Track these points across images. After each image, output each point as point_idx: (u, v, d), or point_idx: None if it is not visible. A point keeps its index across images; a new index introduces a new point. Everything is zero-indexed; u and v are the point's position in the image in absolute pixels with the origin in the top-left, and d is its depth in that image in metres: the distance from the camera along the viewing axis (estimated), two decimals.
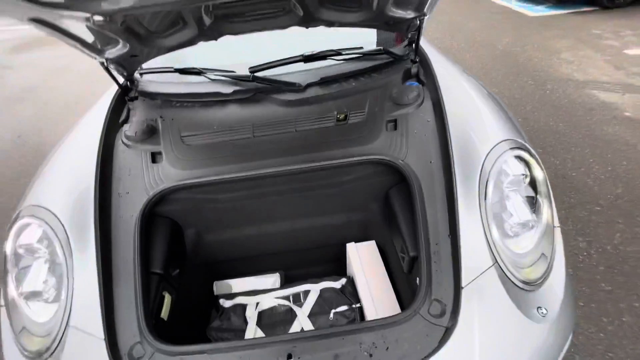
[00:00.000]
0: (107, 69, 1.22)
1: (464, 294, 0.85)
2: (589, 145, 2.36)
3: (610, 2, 4.70)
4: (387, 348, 0.81)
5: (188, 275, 1.23)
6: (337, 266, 1.44)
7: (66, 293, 0.92)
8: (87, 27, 0.93)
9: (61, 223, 0.99)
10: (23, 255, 0.99)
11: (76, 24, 0.91)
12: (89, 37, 1.02)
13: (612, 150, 2.30)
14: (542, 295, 0.89)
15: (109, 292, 0.93)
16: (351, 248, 1.33)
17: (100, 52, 1.11)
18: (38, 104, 3.96)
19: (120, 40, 1.05)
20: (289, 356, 0.82)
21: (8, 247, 0.99)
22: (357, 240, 1.35)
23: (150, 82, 1.41)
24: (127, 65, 1.26)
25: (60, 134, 3.29)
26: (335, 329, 0.88)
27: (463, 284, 0.86)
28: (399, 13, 1.13)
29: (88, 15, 0.86)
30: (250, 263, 1.44)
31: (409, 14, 1.14)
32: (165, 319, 1.03)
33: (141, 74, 1.46)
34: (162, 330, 0.95)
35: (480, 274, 0.88)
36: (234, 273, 1.41)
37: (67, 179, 1.10)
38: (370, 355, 0.81)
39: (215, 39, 1.20)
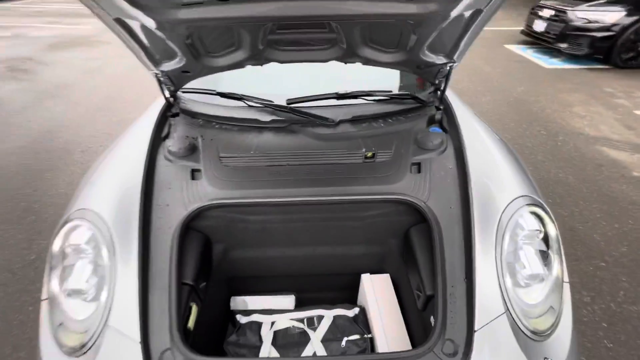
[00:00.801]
0: (159, 81, 1.33)
1: (477, 337, 0.91)
2: (596, 201, 2.43)
3: (623, 62, 4.91)
4: None
5: (211, 290, 1.29)
6: (349, 294, 1.50)
7: (107, 294, 0.99)
8: (157, 36, 1.05)
9: (108, 228, 1.07)
10: (69, 254, 1.06)
11: (148, 32, 1.04)
12: (153, 47, 1.14)
13: (619, 208, 2.37)
14: (549, 346, 0.95)
15: (146, 298, 1.00)
16: (366, 279, 1.39)
17: (157, 63, 1.23)
18: (69, 103, 4.15)
19: (179, 54, 1.17)
20: None
21: (56, 246, 1.07)
22: (372, 272, 1.42)
23: (191, 102, 1.53)
24: (176, 80, 1.37)
25: (87, 136, 3.46)
26: (348, 358, 0.93)
27: (476, 327, 0.92)
28: (431, 57, 1.24)
29: (163, 22, 0.98)
30: (267, 282, 1.50)
31: (440, 60, 1.26)
32: (192, 329, 1.09)
33: (183, 92, 1.58)
34: (187, 340, 1.01)
35: (493, 320, 0.93)
36: (251, 290, 1.47)
37: (114, 187, 1.19)
38: None
39: (261, 65, 1.32)
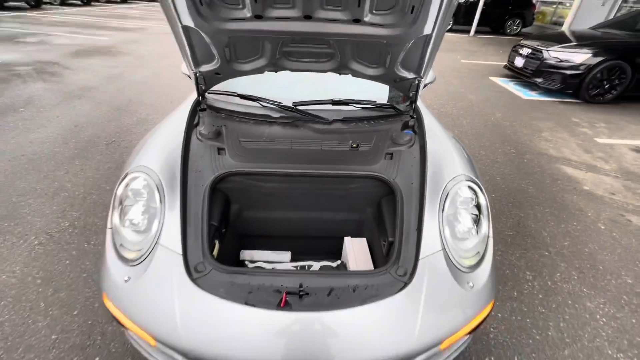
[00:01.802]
0: (196, 80, 1.76)
1: (420, 264, 1.29)
2: (549, 207, 2.86)
3: (591, 98, 5.50)
4: (366, 288, 1.24)
5: (228, 237, 1.67)
6: (334, 257, 1.87)
7: (158, 225, 1.36)
8: (205, 42, 1.48)
9: (160, 180, 1.46)
10: (129, 196, 1.45)
11: (200, 38, 1.46)
12: (199, 51, 1.57)
13: (567, 213, 2.79)
14: (472, 276, 1.32)
15: (185, 229, 1.38)
16: (348, 240, 1.77)
17: (198, 64, 1.66)
18: (93, 103, 4.59)
19: (216, 58, 1.59)
20: (300, 285, 1.24)
21: (119, 191, 1.46)
22: (353, 236, 1.80)
23: (216, 101, 1.96)
24: (208, 81, 1.79)
25: (111, 132, 3.90)
26: (332, 272, 1.30)
27: (420, 257, 1.30)
28: (404, 73, 1.66)
29: (214, 31, 1.40)
30: (270, 242, 1.87)
31: (411, 75, 1.67)
32: (215, 257, 1.45)
33: (210, 94, 2.00)
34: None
35: (433, 254, 1.32)
36: (257, 246, 1.84)
37: (163, 153, 1.58)
38: (354, 291, 1.23)
39: (276, 72, 1.75)
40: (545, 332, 1.81)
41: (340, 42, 1.53)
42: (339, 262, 1.72)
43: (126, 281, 1.24)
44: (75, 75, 5.71)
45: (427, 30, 1.39)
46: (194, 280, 1.22)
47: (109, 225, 1.41)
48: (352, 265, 1.66)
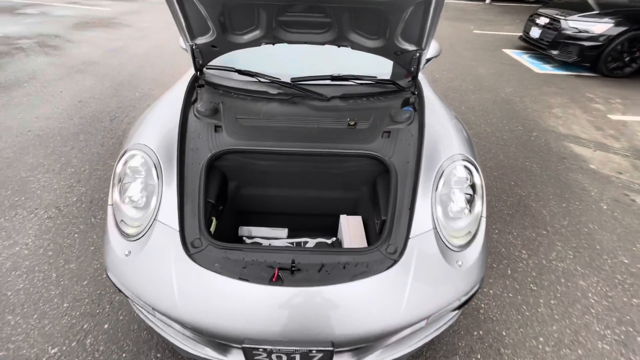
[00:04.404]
0: (192, 53, 1.73)
1: (410, 242, 1.31)
2: (552, 186, 2.83)
3: (609, 71, 5.24)
4: (356, 265, 1.28)
5: (226, 214, 1.71)
6: (330, 234, 1.91)
7: (156, 201, 1.40)
8: (199, 12, 1.44)
9: (157, 158, 1.48)
10: (128, 174, 1.48)
11: (194, 7, 1.42)
12: (194, 21, 1.53)
13: (570, 192, 2.76)
14: (462, 255, 1.35)
15: (182, 206, 1.42)
16: (343, 218, 1.80)
17: (193, 37, 1.62)
18: (96, 77, 4.58)
19: (212, 29, 1.56)
20: (293, 260, 1.28)
21: (118, 168, 1.49)
22: (349, 213, 1.83)
23: (214, 76, 1.94)
24: (205, 55, 1.75)
25: (114, 107, 3.91)
26: (323, 249, 1.35)
27: (411, 236, 1.33)
28: (405, 45, 1.60)
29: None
30: (267, 219, 1.92)
31: (412, 47, 1.61)
32: (212, 233, 1.50)
33: (208, 69, 1.97)
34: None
35: (423, 233, 1.34)
36: (254, 223, 1.89)
37: (161, 131, 1.59)
38: (344, 267, 1.27)
39: (273, 44, 1.70)
40: (536, 308, 1.85)
41: (338, 10, 1.47)
42: (334, 239, 1.76)
43: (127, 255, 1.30)
44: (78, 48, 5.65)
45: None
46: (190, 255, 1.27)
47: (109, 202, 1.46)
48: (347, 243, 1.70)
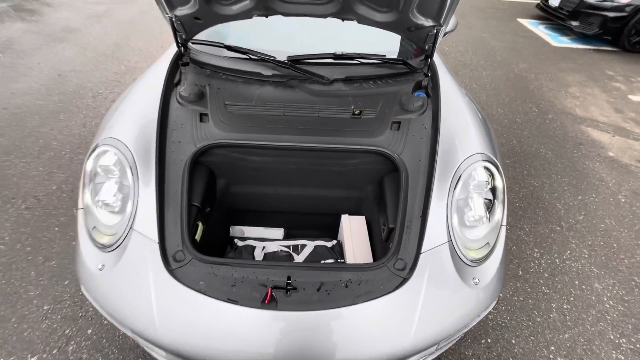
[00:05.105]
0: (172, 26, 1.47)
1: (422, 258, 1.16)
2: (568, 175, 2.65)
3: (631, 46, 4.88)
4: (359, 283, 1.13)
5: (214, 216, 1.54)
6: (330, 234, 1.75)
7: (132, 206, 1.22)
8: None
9: (132, 154, 1.28)
10: (99, 173, 1.29)
11: None
12: None
13: (587, 183, 2.58)
14: (479, 271, 1.20)
15: (162, 212, 1.24)
16: (345, 218, 1.64)
17: (172, 7, 1.36)
18: (77, 47, 4.21)
19: None
20: (289, 278, 1.13)
21: (88, 166, 1.30)
22: (351, 213, 1.66)
23: (200, 53, 1.68)
24: (188, 28, 1.49)
25: (97, 82, 3.60)
26: (323, 265, 1.19)
27: (422, 250, 1.17)
28: (420, 19, 1.35)
29: None
30: (261, 217, 1.75)
31: (429, 22, 1.36)
32: (198, 241, 1.34)
33: (193, 44, 1.70)
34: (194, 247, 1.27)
35: (437, 246, 1.18)
36: (247, 222, 1.73)
37: (136, 122, 1.38)
38: (346, 286, 1.12)
39: (266, 16, 1.42)
40: (547, 314, 1.74)
41: None
42: (334, 242, 1.61)
43: (100, 269, 1.15)
44: (57, 13, 5.19)
45: None
46: (171, 271, 1.12)
47: (80, 205, 1.28)
48: (349, 246, 1.55)
